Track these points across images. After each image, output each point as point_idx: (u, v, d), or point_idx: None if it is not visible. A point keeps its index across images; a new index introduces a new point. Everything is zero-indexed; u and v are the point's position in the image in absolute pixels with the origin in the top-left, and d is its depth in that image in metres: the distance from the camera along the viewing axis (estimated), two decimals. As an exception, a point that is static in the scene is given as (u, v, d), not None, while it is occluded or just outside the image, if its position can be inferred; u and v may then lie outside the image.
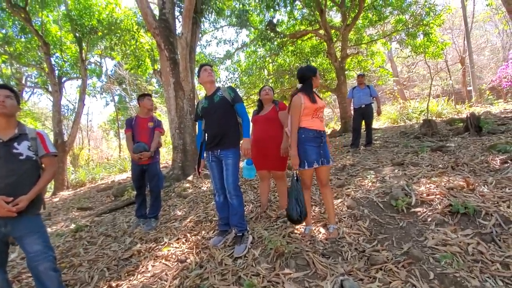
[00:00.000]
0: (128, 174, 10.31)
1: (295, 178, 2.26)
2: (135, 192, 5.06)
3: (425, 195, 2.71)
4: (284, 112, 2.88)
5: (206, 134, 2.57)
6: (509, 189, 2.54)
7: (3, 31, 10.85)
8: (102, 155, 18.83)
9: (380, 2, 10.40)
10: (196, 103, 3.22)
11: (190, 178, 5.25)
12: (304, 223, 2.44)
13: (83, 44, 11.08)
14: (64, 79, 12.02)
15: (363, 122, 5.85)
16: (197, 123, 2.68)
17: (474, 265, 1.81)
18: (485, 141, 4.53)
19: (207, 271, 2.14)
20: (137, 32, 10.62)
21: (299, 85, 2.43)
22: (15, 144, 1.78)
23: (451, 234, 2.15)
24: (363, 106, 5.68)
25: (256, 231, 2.63)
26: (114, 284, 2.16)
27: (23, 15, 9.56)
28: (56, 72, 11.15)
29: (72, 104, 16.70)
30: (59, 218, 4.70)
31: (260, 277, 1.97)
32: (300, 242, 2.30)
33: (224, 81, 13.30)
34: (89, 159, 17.19)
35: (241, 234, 2.44)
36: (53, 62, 10.99)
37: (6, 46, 11.05)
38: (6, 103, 1.76)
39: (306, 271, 1.98)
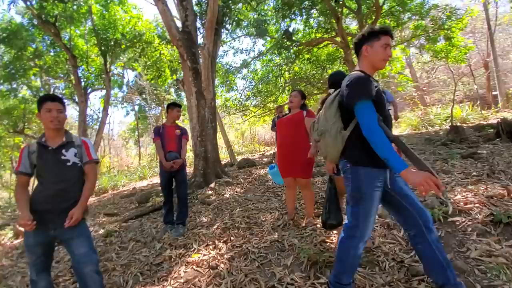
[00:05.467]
0: (148, 181, 10.54)
1: (332, 183, 2.20)
2: (159, 199, 5.19)
3: (462, 203, 2.60)
4: (310, 119, 2.82)
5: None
6: (555, 198, 2.40)
7: (33, 46, 11.52)
8: (122, 162, 19.36)
9: (398, 8, 10.27)
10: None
11: (212, 185, 5.30)
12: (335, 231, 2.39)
13: (107, 57, 11.59)
14: (89, 90, 12.58)
15: None
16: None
17: (524, 278, 1.71)
18: (520, 148, 4.33)
19: (240, 279, 2.13)
20: (160, 45, 11.02)
21: (331, 90, 2.38)
22: (63, 151, 1.88)
23: (494, 244, 2.05)
24: None
25: (286, 239, 2.61)
26: (149, 289, 2.20)
27: (52, 31, 10.14)
28: (82, 83, 11.69)
29: (96, 114, 17.37)
30: (88, 224, 4.85)
31: (295, 286, 1.94)
32: (333, 251, 2.26)
33: (241, 90, 13.44)
34: (110, 166, 17.74)
35: None
36: (79, 74, 11.53)
37: (36, 59, 11.74)
38: (59, 118, 1.86)
39: (342, 280, 1.93)
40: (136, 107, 21.47)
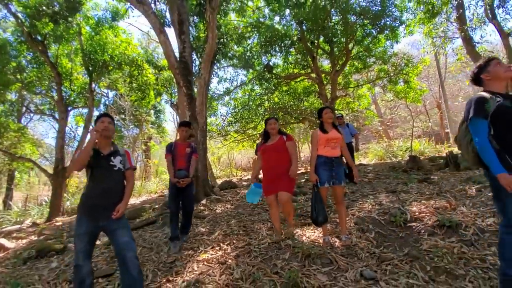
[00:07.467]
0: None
1: (315, 190, 2.87)
2: (154, 213, 5.43)
3: (417, 213, 3.32)
4: (291, 143, 3.32)
5: None
6: (482, 208, 3.21)
7: (14, 60, 11.43)
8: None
9: (365, 53, 11.86)
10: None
11: (203, 201, 5.67)
12: (322, 232, 2.99)
13: (93, 76, 11.82)
14: (70, 108, 12.51)
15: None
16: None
17: (459, 261, 2.38)
18: (462, 175, 5.30)
19: (248, 269, 2.58)
20: (148, 69, 11.54)
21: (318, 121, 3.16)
22: (112, 158, 2.32)
23: (440, 241, 2.74)
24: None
25: (281, 241, 3.11)
26: (171, 279, 2.56)
27: (40, 48, 10.32)
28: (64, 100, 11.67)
29: (72, 132, 16.98)
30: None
31: (295, 271, 2.45)
32: (321, 247, 2.82)
33: (223, 115, 14.12)
34: (78, 186, 16.99)
35: None
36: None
37: (18, 74, 11.61)
38: (109, 127, 2.33)
39: (330, 267, 2.49)
40: (113, 127, 21.18)
